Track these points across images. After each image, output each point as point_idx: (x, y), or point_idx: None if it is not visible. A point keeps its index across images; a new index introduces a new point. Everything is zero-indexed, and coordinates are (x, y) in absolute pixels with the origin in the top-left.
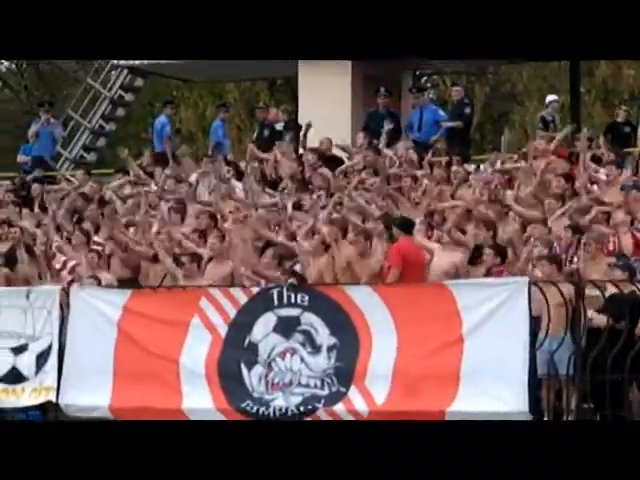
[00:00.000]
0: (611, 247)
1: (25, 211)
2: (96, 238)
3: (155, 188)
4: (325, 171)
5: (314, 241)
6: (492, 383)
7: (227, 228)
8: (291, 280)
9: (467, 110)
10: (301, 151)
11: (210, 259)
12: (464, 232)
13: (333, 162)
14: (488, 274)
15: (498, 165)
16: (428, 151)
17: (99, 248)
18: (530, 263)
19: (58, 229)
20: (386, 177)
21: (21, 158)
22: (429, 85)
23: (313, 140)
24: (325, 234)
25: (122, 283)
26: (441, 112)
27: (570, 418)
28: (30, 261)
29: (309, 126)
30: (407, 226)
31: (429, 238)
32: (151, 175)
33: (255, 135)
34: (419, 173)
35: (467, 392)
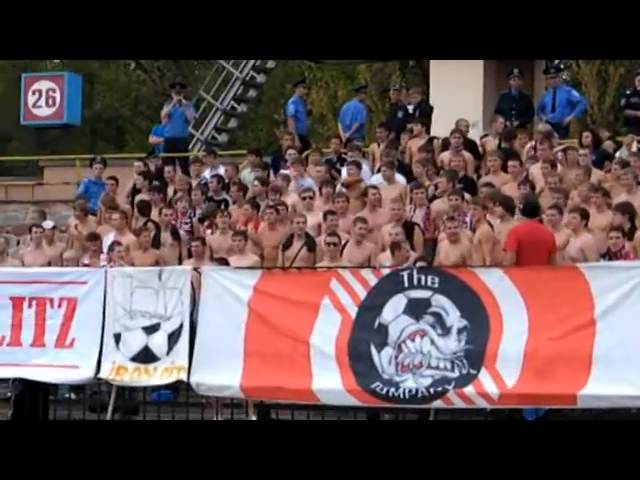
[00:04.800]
0: None
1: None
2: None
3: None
4: (466, 154)
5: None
6: (625, 367)
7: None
8: (420, 263)
9: None
10: (434, 134)
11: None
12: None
13: (468, 144)
14: (616, 257)
15: (634, 148)
16: (562, 132)
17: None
18: None
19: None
20: None
21: (153, 139)
22: (562, 66)
23: (443, 122)
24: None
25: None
26: (575, 93)
27: None
28: (173, 244)
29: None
30: (530, 209)
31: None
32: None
33: (387, 117)
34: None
35: (599, 376)
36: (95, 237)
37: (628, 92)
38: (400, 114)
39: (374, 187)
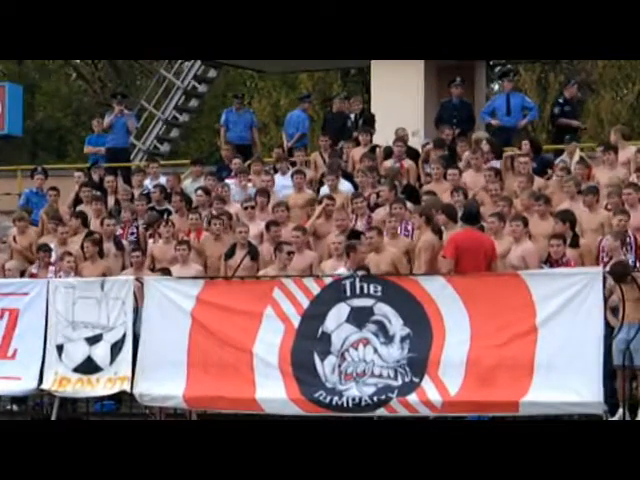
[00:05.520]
0: None
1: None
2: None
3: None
4: (409, 163)
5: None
6: (566, 373)
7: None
8: (360, 272)
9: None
10: (375, 142)
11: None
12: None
13: (410, 153)
14: (557, 264)
15: (577, 157)
16: (515, 136)
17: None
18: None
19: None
20: None
21: (88, 149)
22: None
23: (384, 130)
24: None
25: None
26: (528, 99)
27: None
28: (117, 254)
29: (415, 134)
30: (470, 216)
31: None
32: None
33: (324, 125)
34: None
35: (541, 383)
36: (46, 248)
37: (561, 100)
38: (346, 123)
39: (330, 197)
